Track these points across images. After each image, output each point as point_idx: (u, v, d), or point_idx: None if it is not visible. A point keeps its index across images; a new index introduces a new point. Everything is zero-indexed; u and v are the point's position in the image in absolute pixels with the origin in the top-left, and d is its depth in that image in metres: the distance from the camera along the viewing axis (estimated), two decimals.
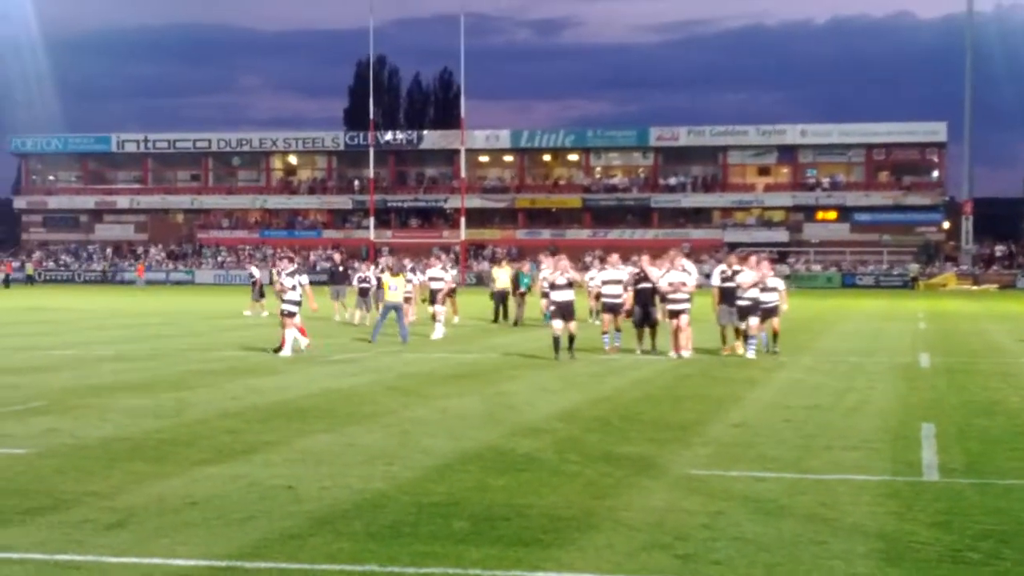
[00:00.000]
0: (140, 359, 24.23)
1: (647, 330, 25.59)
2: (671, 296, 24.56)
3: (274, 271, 26.55)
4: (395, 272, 31.23)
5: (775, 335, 25.69)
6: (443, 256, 43.75)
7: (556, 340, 23.95)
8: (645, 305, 25.29)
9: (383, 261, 39.63)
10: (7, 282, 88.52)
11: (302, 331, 25.98)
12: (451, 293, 37.14)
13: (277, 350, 25.30)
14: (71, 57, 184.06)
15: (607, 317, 25.95)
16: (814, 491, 10.64)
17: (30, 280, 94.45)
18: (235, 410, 16.10)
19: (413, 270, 34.63)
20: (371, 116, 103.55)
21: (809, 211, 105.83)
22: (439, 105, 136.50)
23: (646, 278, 25.33)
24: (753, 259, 25.86)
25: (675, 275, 24.82)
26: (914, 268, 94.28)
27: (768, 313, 25.10)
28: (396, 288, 29.10)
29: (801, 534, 9.02)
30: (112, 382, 19.69)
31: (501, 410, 16.29)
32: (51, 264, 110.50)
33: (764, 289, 24.95)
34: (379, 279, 35.76)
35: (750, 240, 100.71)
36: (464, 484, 10.86)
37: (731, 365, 23.02)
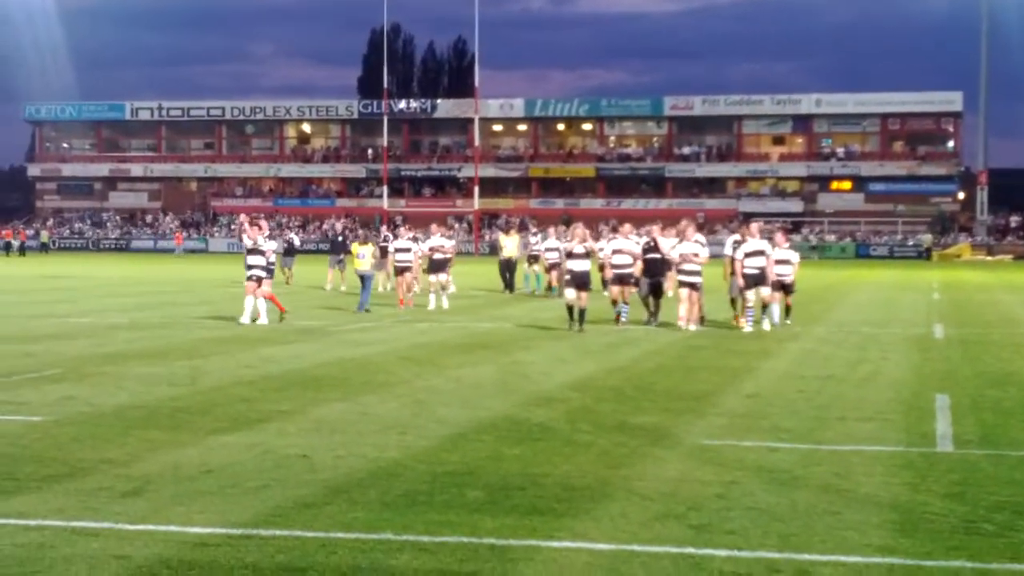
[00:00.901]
0: (154, 327, 24.29)
1: (652, 300, 25.16)
2: (682, 267, 24.10)
3: (246, 235, 25.42)
4: (363, 241, 31.29)
5: (788, 309, 25.33)
6: (443, 226, 42.71)
7: (570, 309, 23.75)
8: (654, 275, 24.92)
9: (384, 230, 39.55)
10: (22, 250, 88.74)
11: (273, 299, 25.42)
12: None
13: (255, 320, 24.87)
14: (85, 25, 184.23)
15: (616, 289, 25.30)
16: (828, 462, 10.65)
17: (44, 248, 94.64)
18: (249, 378, 16.15)
19: (415, 239, 34.10)
20: (385, 84, 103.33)
21: (823, 181, 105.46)
22: (453, 74, 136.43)
23: (656, 248, 24.96)
24: (754, 226, 25.01)
25: (687, 246, 24.26)
26: (928, 239, 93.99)
27: (781, 285, 24.75)
28: (364, 256, 29.27)
29: (815, 504, 9.03)
30: (127, 350, 19.75)
31: (515, 379, 16.31)
32: (66, 232, 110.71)
33: (778, 262, 24.48)
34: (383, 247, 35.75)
35: (764, 210, 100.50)
36: (478, 453, 10.88)
37: (744, 336, 22.99)
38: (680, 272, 24.25)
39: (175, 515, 8.56)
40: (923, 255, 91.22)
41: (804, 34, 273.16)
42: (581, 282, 23.62)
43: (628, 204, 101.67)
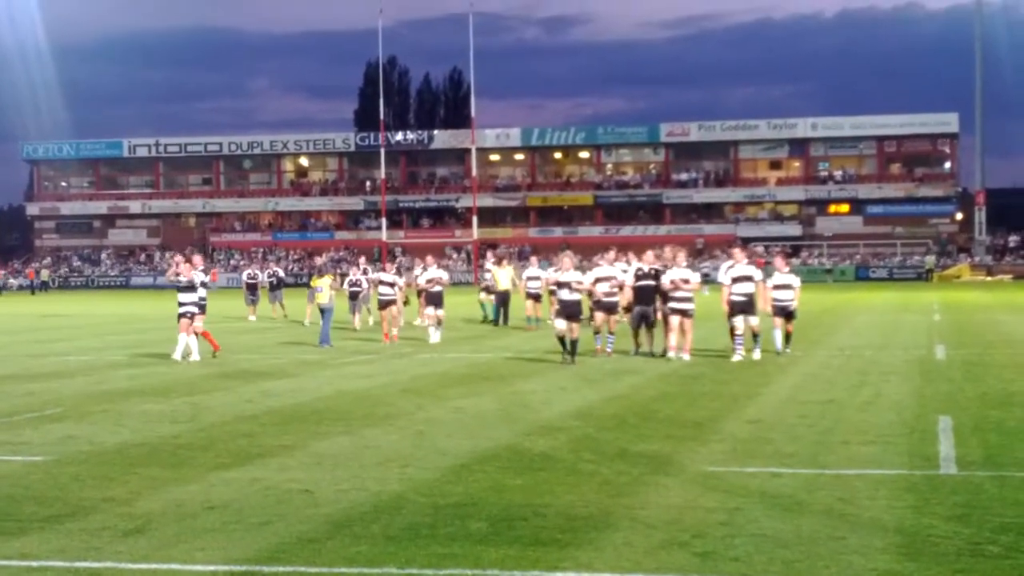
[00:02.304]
0: (154, 364, 24.27)
1: (644, 331, 24.36)
2: (673, 294, 23.31)
3: (176, 270, 25.21)
4: (321, 274, 31.12)
5: (787, 336, 24.42)
6: (439, 258, 42.20)
7: (561, 340, 22.92)
8: (645, 304, 24.12)
9: (362, 263, 39.23)
10: (33, 289, 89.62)
11: (207, 336, 25.30)
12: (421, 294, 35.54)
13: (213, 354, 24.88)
14: (81, 63, 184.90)
15: (599, 316, 24.40)
16: (831, 486, 10.62)
17: (45, 286, 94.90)
18: (250, 413, 16.12)
19: (399, 271, 33.39)
20: (381, 117, 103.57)
21: (821, 204, 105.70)
22: (449, 105, 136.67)
23: (649, 275, 24.18)
24: (737, 251, 24.18)
25: (678, 272, 23.57)
26: (930, 260, 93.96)
27: (781, 312, 24.15)
28: (322, 290, 29.10)
29: (819, 530, 9.00)
30: (127, 387, 19.73)
31: (516, 409, 16.29)
32: (65, 270, 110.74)
33: (778, 287, 24.11)
34: (373, 281, 35.19)
35: (763, 235, 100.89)
36: (481, 484, 10.85)
37: (744, 362, 22.91)
38: (670, 299, 23.44)
39: (178, 553, 8.54)
40: (923, 276, 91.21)
41: (799, 58, 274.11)
42: (571, 313, 22.93)
43: (627, 231, 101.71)
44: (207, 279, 25.63)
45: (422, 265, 33.34)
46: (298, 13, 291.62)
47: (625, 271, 25.69)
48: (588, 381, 19.84)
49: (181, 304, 24.57)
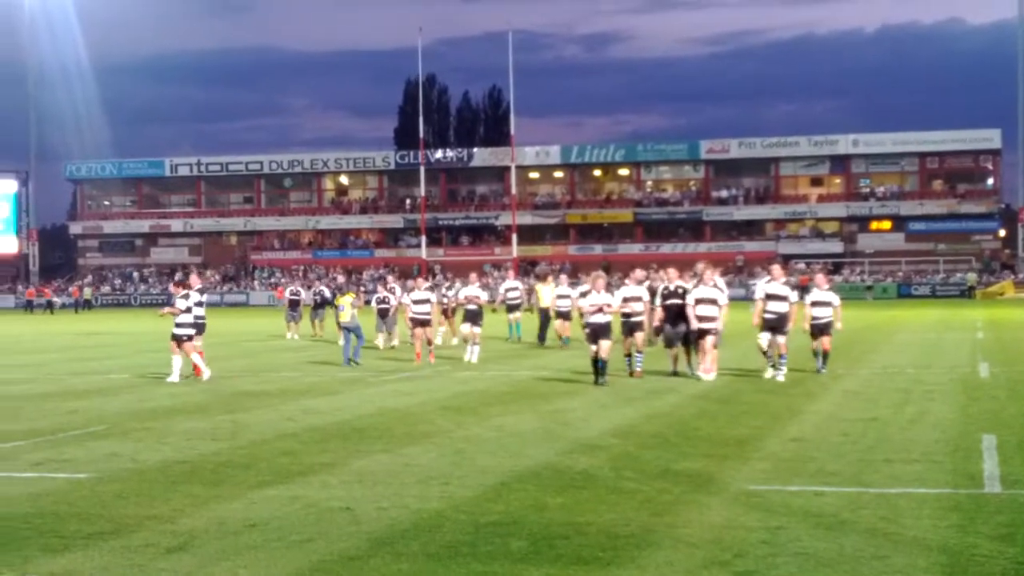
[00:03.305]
0: (195, 382, 24.37)
1: (681, 348, 23.81)
2: (698, 313, 22.76)
3: (179, 299, 25.04)
4: (343, 292, 30.77)
5: (825, 355, 23.76)
6: (482, 276, 41.61)
7: (594, 361, 22.48)
8: (675, 322, 23.51)
9: (390, 280, 39.09)
10: (77, 307, 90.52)
11: (199, 357, 24.97)
12: (452, 313, 35.73)
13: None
14: (123, 83, 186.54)
15: (627, 339, 24.12)
16: (874, 505, 10.55)
17: (88, 304, 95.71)
18: (291, 431, 16.17)
19: (433, 288, 32.63)
20: (421, 135, 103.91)
21: (863, 221, 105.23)
22: (489, 122, 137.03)
23: (675, 293, 23.68)
24: (775, 268, 23.92)
25: (703, 290, 23.00)
26: (972, 277, 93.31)
27: (820, 330, 23.60)
28: (344, 308, 28.56)
29: (862, 549, 8.94)
30: (169, 405, 19.84)
31: (557, 427, 16.26)
32: (107, 288, 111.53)
33: (816, 304, 23.61)
34: (388, 297, 34.77)
35: (804, 252, 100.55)
36: (521, 502, 10.84)
37: (789, 376, 22.74)
38: (697, 319, 22.83)
39: (220, 571, 8.57)
40: (965, 294, 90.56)
41: (840, 74, 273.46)
42: (601, 333, 22.34)
43: (667, 248, 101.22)
44: (203, 299, 25.45)
45: (457, 283, 33.04)
46: (338, 32, 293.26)
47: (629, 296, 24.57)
48: (628, 399, 19.79)
49: (178, 326, 24.35)
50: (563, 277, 39.59)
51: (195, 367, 24.70)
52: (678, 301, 23.51)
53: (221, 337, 44.48)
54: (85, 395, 21.86)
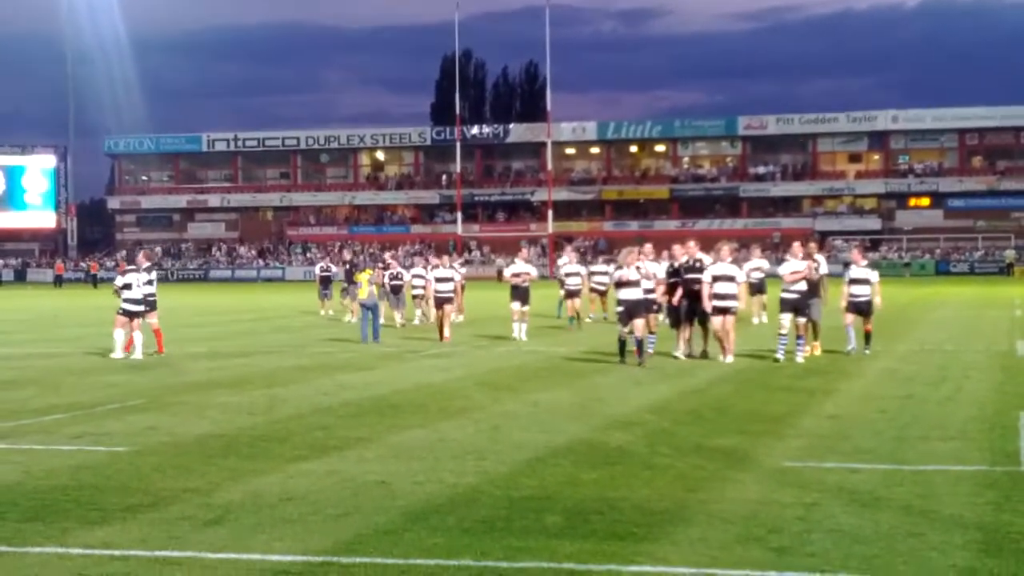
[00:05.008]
0: (232, 356, 24.53)
1: (694, 328, 22.83)
2: (717, 291, 21.74)
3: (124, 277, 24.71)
4: (360, 269, 30.24)
5: (867, 335, 23.03)
6: (525, 250, 39.21)
7: (622, 342, 21.81)
8: (694, 299, 22.36)
9: (390, 255, 37.19)
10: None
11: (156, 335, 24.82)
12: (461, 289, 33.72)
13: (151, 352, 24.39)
14: (160, 58, 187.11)
15: (639, 321, 21.97)
16: (910, 482, 10.52)
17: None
18: (327, 406, 16.25)
19: (464, 264, 31.06)
20: (457, 111, 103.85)
21: (901, 198, 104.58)
22: (525, 98, 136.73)
23: (694, 267, 22.59)
24: (796, 245, 22.89)
25: (721, 267, 21.98)
26: (1010, 255, 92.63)
27: (858, 309, 22.94)
28: (361, 285, 28.29)
29: (897, 526, 8.93)
30: (207, 379, 19.96)
31: (592, 403, 16.28)
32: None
33: (854, 281, 23.05)
34: (398, 274, 34.08)
35: (841, 228, 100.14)
36: (556, 478, 10.87)
37: (822, 356, 22.65)
38: (713, 297, 21.86)
39: (256, 543, 8.63)
40: (1004, 271, 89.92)
41: (878, 49, 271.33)
42: (633, 311, 21.46)
43: (703, 225, 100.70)
44: (152, 277, 25.23)
45: (508, 258, 32.15)
46: (374, 7, 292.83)
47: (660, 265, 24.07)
48: (663, 376, 19.78)
49: (127, 301, 24.14)
50: (569, 251, 38.20)
51: (129, 344, 24.39)
52: (697, 276, 22.39)
53: (259, 312, 44.70)
54: (123, 369, 22.02)
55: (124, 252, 29.45)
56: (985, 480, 10.62)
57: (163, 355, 24.55)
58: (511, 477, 10.93)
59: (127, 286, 24.31)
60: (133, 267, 25.25)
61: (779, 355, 21.72)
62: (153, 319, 24.90)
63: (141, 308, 24.38)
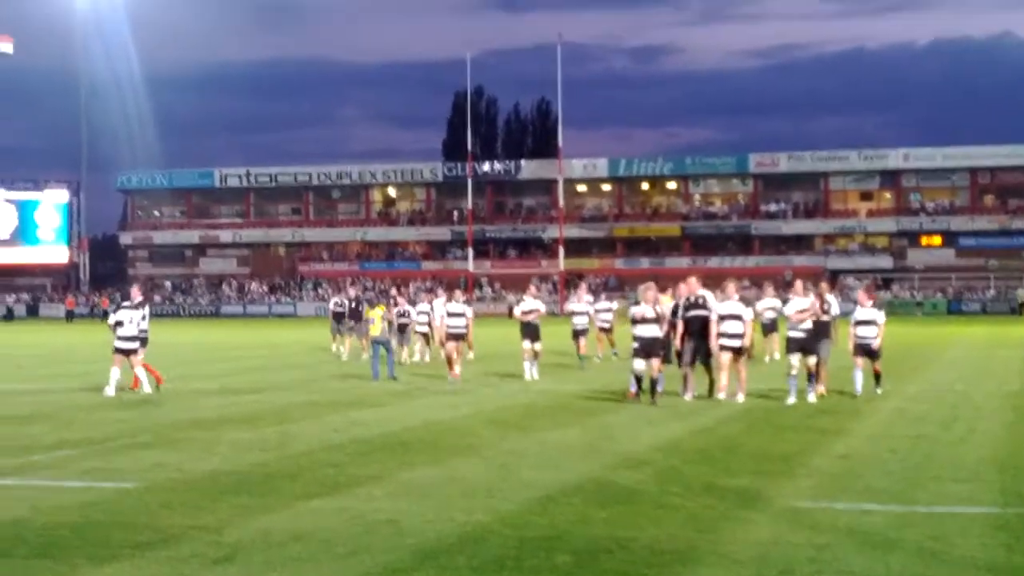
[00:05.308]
0: (243, 392, 24.53)
1: (695, 368, 22.39)
2: (724, 331, 21.68)
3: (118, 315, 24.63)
4: (372, 305, 30.17)
5: (877, 376, 22.72)
6: (534, 287, 38.53)
7: (638, 380, 21.56)
8: (697, 337, 22.10)
9: (395, 292, 36.92)
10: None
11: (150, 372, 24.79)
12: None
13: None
14: (174, 94, 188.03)
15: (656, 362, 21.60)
16: (922, 524, 10.47)
17: None
18: (338, 442, 16.23)
19: (468, 302, 31.14)
20: (469, 147, 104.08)
21: (913, 236, 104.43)
22: (537, 135, 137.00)
23: (698, 304, 22.25)
24: (799, 283, 22.90)
25: (729, 305, 21.86)
26: (1021, 294, 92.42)
27: (865, 350, 22.54)
28: (374, 322, 28.15)
29: (909, 568, 8.88)
30: (217, 415, 19.95)
31: (602, 442, 16.24)
32: (157, 298, 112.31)
33: (860, 323, 22.59)
34: (403, 309, 33.86)
35: (853, 267, 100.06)
36: (566, 517, 10.84)
37: (831, 396, 22.54)
38: (720, 336, 21.76)
39: None
40: (1015, 311, 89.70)
41: (890, 87, 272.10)
42: (649, 349, 21.22)
43: (714, 262, 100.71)
44: (145, 312, 25.11)
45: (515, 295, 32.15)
46: (388, 44, 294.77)
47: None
48: (674, 414, 19.73)
49: (120, 339, 24.00)
50: (583, 287, 37.92)
51: (135, 379, 24.43)
52: (702, 312, 22.14)
53: (270, 348, 44.72)
54: (133, 405, 22.04)
55: (108, 290, 29.23)
56: (997, 521, 10.56)
57: (136, 391, 24.31)
58: (521, 516, 10.90)
59: (119, 323, 24.20)
60: (128, 303, 25.08)
61: (791, 399, 21.22)
62: (142, 355, 24.64)
63: (135, 345, 24.26)
